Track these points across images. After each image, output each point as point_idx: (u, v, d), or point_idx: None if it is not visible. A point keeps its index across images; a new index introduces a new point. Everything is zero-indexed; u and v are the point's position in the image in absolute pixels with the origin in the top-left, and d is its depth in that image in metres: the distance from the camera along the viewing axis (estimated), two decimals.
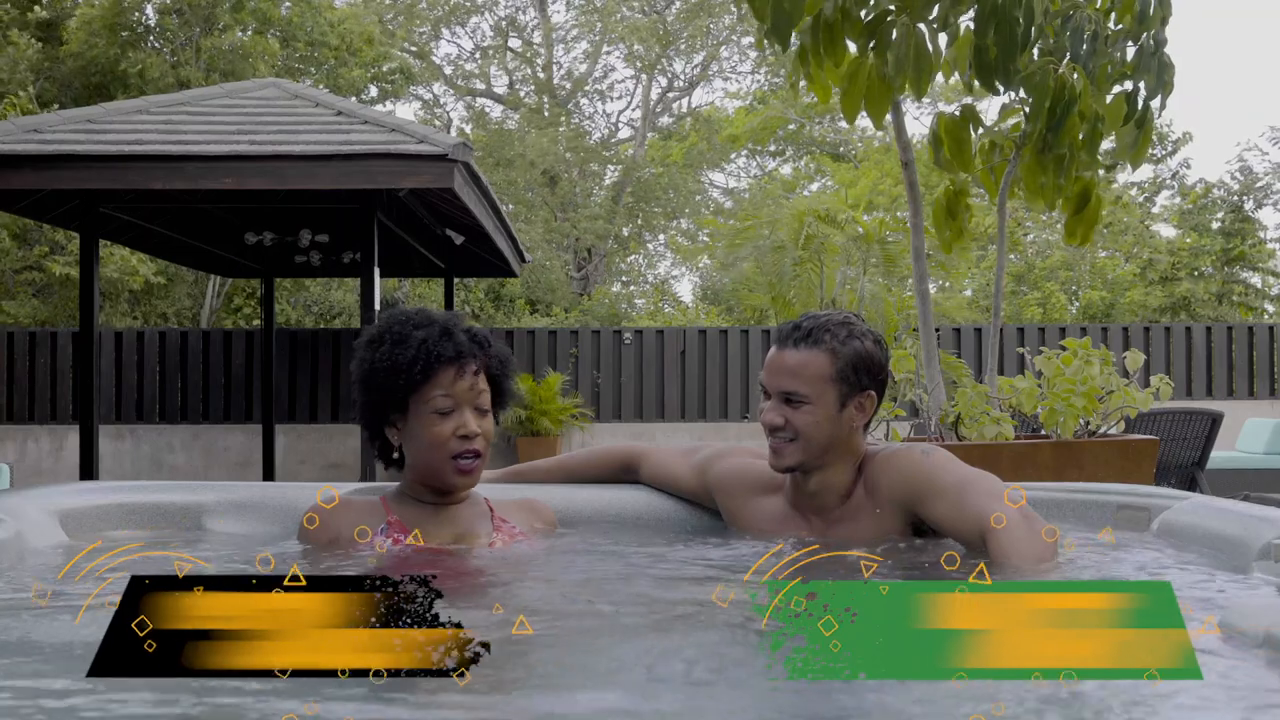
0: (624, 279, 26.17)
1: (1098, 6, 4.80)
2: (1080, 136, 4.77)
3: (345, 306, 17.28)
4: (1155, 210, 21.60)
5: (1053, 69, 4.63)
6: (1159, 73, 4.76)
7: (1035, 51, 4.67)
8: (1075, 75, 4.62)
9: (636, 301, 24.21)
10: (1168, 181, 20.96)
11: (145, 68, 14.34)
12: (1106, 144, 5.23)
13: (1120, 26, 4.77)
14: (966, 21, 4.75)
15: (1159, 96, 4.82)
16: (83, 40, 14.47)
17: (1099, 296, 18.12)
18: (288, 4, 16.11)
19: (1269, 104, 38.87)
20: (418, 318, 2.20)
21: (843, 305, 11.46)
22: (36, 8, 14.97)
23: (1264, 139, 19.66)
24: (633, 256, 26.02)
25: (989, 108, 20.54)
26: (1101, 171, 5.14)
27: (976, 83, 4.70)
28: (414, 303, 17.47)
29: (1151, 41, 4.75)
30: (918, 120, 22.02)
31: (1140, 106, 4.85)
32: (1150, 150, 5.06)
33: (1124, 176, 19.20)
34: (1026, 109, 4.88)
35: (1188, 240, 18.81)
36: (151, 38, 15.02)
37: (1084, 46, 4.65)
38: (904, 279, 11.98)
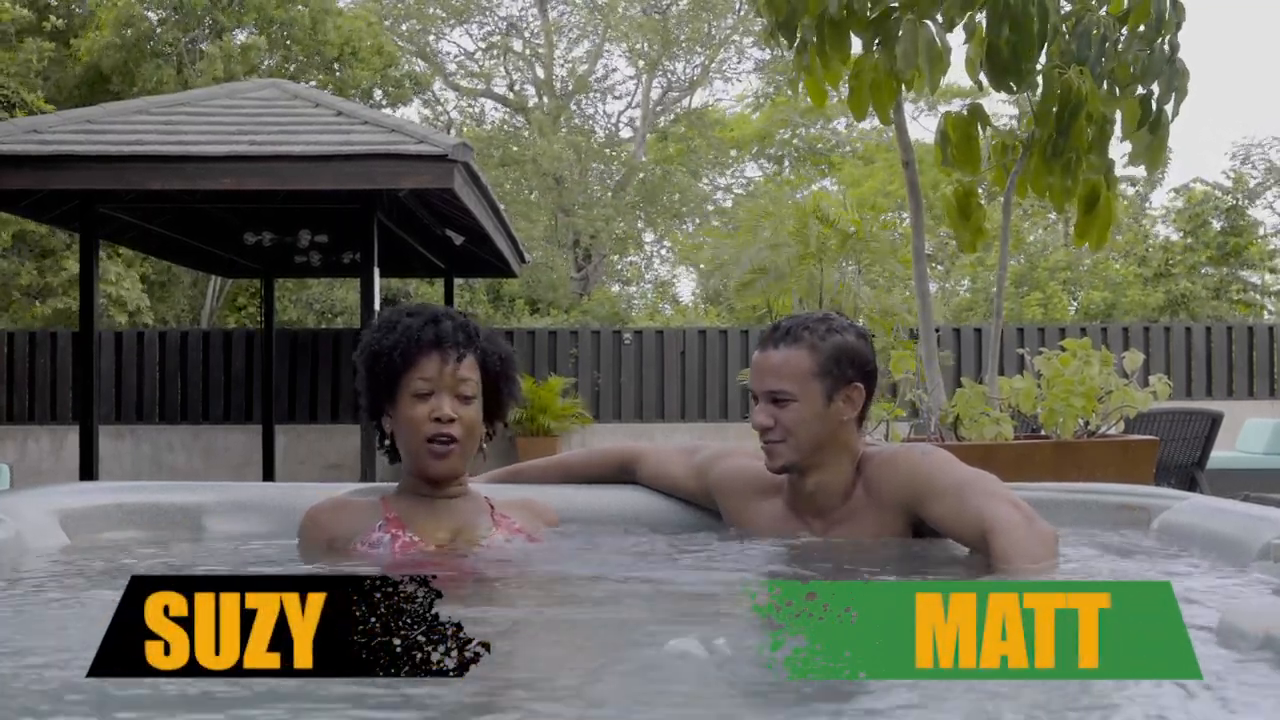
0: (624, 279, 26.16)
1: (1118, 11, 4.79)
2: (1088, 140, 4.76)
3: (348, 305, 17.26)
4: (1152, 210, 21.59)
5: (1059, 72, 4.62)
6: (1170, 77, 4.75)
7: (1049, 53, 4.66)
8: (1083, 78, 4.61)
9: (635, 302, 24.20)
10: (1160, 178, 20.95)
11: (158, 80, 14.37)
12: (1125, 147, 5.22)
13: (1141, 29, 4.76)
14: (982, 19, 4.73)
15: (1172, 102, 4.81)
16: (92, 50, 14.47)
17: (1100, 296, 18.10)
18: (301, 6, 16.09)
19: (1266, 102, 38.88)
20: (413, 308, 2.25)
21: (840, 306, 11.45)
22: (52, 17, 14.97)
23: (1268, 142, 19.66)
24: (633, 257, 26.00)
25: (994, 106, 20.49)
26: (1121, 184, 5.15)
27: (987, 82, 4.70)
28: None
29: (1166, 47, 4.74)
30: (915, 120, 22.01)
31: (1154, 111, 4.84)
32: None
33: (1131, 171, 19.17)
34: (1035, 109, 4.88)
35: (1186, 240, 18.79)
36: (153, 43, 15.01)
37: (1091, 50, 4.64)
38: (905, 279, 11.96)
